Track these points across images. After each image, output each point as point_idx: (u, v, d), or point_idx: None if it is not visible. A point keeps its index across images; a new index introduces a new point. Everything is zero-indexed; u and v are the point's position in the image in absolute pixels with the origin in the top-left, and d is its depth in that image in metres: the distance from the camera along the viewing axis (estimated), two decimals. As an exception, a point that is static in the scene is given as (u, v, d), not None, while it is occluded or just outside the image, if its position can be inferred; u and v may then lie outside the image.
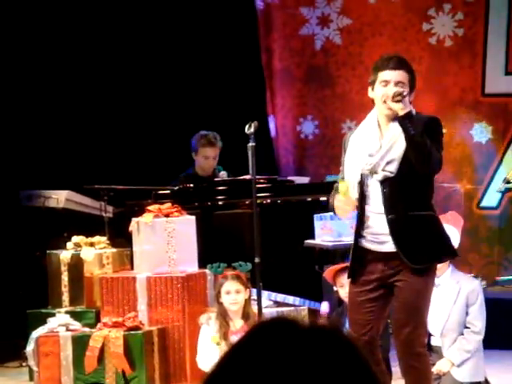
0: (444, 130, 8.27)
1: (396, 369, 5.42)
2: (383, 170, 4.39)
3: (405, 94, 4.31)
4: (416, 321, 4.39)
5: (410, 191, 4.38)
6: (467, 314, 5.22)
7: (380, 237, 4.45)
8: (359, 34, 8.46)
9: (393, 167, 4.37)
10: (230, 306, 5.47)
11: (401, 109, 4.30)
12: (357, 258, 4.52)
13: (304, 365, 1.18)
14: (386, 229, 4.42)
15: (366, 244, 4.50)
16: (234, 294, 5.47)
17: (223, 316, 5.48)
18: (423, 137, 4.28)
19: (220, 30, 8.42)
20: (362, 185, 4.45)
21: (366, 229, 4.47)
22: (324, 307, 5.58)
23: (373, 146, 4.43)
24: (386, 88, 4.37)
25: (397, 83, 4.37)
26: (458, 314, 5.21)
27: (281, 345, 1.18)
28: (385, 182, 4.39)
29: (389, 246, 4.44)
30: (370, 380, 1.20)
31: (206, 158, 7.18)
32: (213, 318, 5.53)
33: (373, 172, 4.41)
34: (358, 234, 4.51)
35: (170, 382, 5.97)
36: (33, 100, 8.17)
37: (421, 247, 4.39)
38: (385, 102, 4.36)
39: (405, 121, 4.28)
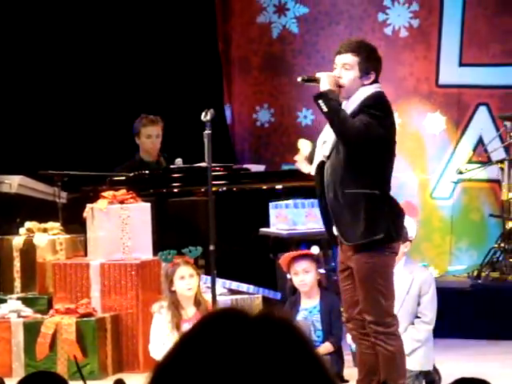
0: (399, 120, 8.41)
1: (348, 357, 5.48)
2: (322, 151, 4.60)
3: (305, 78, 4.65)
4: (373, 306, 4.48)
5: (349, 170, 4.50)
6: (419, 304, 5.28)
7: (332, 216, 4.61)
8: (316, 23, 8.48)
9: (326, 148, 4.56)
10: (186, 291, 5.46)
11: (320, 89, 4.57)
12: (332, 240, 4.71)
13: (252, 356, 1.19)
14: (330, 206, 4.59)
15: (334, 228, 4.66)
16: (188, 278, 5.46)
17: (175, 305, 5.47)
18: (337, 111, 4.47)
19: (177, 18, 8.39)
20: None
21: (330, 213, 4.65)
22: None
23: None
24: (334, 71, 4.65)
25: (343, 66, 4.61)
26: (411, 303, 5.27)
27: (229, 336, 1.20)
28: (327, 163, 4.57)
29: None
30: (317, 371, 1.22)
31: (149, 137, 7.23)
32: (165, 306, 5.52)
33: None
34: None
35: (122, 369, 5.95)
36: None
37: (353, 225, 4.49)
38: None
39: (316, 100, 4.52)
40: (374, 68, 4.62)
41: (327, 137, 4.59)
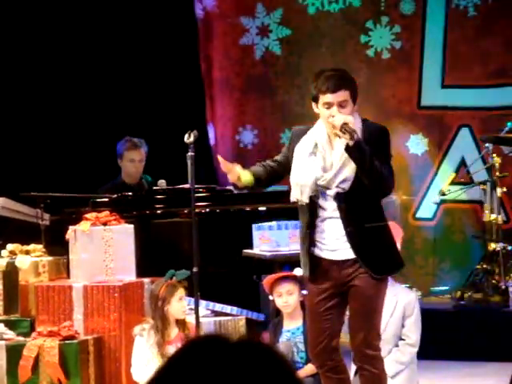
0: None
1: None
2: (337, 187, 4.49)
3: (351, 126, 4.37)
4: (369, 325, 4.49)
5: (365, 204, 4.49)
6: (403, 326, 5.28)
7: (332, 244, 4.52)
8: (298, 45, 8.53)
9: (347, 185, 4.48)
10: (181, 314, 5.48)
11: (349, 139, 4.37)
12: (310, 267, 4.58)
13: (234, 380, 1.19)
14: (338, 235, 4.50)
15: (317, 252, 4.56)
16: (184, 301, 5.49)
17: (164, 325, 5.46)
18: (372, 161, 4.36)
19: (160, 38, 8.41)
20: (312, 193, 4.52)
21: (316, 235, 4.54)
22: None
23: (326, 160, 4.51)
24: (330, 110, 4.45)
25: (340, 104, 4.45)
26: (395, 326, 5.27)
27: (211, 361, 1.20)
28: (339, 196, 4.48)
29: (343, 253, 4.51)
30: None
31: (132, 161, 7.28)
32: (147, 329, 5.50)
33: (326, 187, 4.50)
34: (307, 241, 4.56)
35: (105, 392, 5.92)
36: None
37: (381, 258, 4.52)
38: (333, 124, 4.44)
39: (353, 153, 4.37)
40: (357, 94, 4.57)
41: (346, 173, 4.45)
